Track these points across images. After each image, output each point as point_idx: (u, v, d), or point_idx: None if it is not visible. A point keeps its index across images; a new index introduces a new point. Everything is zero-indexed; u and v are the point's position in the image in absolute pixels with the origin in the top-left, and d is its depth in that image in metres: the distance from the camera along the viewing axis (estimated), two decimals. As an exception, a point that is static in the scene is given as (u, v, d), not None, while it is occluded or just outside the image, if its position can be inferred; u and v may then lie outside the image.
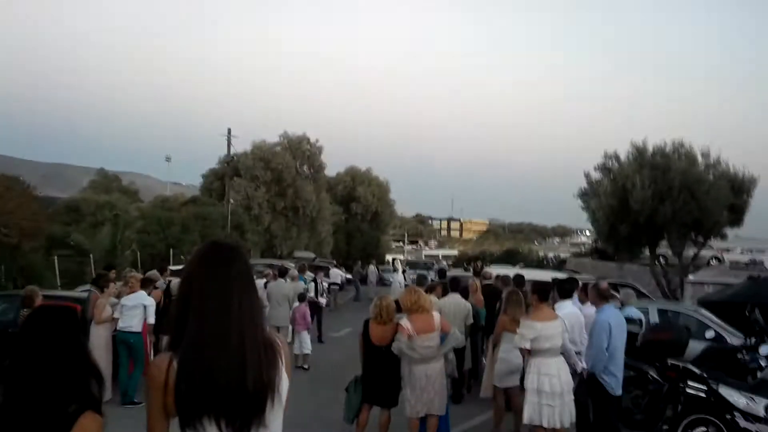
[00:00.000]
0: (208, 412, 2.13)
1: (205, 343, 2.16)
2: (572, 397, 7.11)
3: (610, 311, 7.65)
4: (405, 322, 7.59)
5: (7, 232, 17.77)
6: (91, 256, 22.32)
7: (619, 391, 7.51)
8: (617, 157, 22.50)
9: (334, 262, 36.92)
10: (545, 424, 7.00)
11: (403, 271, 29.11)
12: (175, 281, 12.26)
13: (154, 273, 13.40)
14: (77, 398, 2.44)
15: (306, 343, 13.60)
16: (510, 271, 16.00)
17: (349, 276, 31.86)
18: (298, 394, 9.76)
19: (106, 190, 43.86)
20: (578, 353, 7.84)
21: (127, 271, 14.25)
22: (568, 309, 8.16)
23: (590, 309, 8.43)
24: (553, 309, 7.70)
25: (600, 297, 7.81)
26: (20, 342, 2.50)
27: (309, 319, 13.93)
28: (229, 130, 40.99)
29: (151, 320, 10.36)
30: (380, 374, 7.81)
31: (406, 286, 22.52)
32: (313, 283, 17.92)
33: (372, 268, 34.66)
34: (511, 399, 8.56)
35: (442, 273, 17.31)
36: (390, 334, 7.68)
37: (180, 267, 17.12)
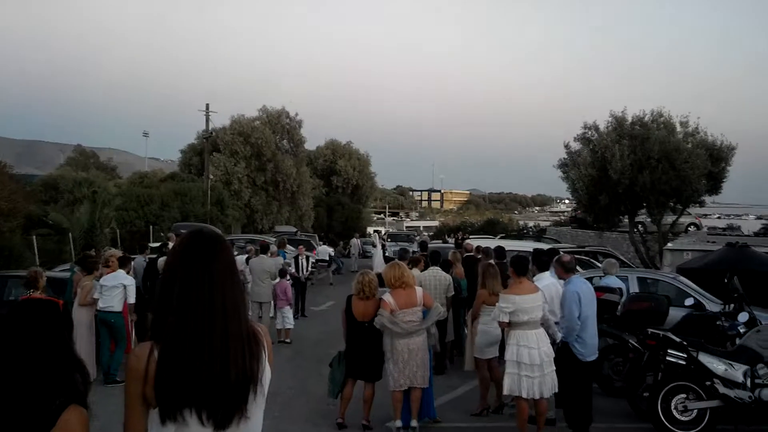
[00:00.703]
0: (190, 405, 2.11)
1: (187, 336, 2.14)
2: (554, 368, 7.18)
3: (578, 282, 7.74)
4: (388, 297, 7.64)
5: (-17, 212, 17.53)
6: (70, 234, 22.07)
7: (590, 358, 7.62)
8: (596, 128, 22.60)
9: (316, 236, 36.84)
10: (525, 395, 7.07)
11: (383, 246, 28.78)
12: (162, 259, 12.12)
13: (112, 252, 12.94)
14: (61, 392, 2.41)
15: (288, 318, 13.62)
16: (490, 242, 16.08)
17: (331, 251, 31.70)
18: (281, 368, 9.76)
19: (84, 167, 43.46)
20: (557, 323, 7.91)
21: (106, 249, 14.09)
22: (547, 281, 8.20)
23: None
24: (532, 281, 7.75)
25: (564, 270, 7.89)
26: (3, 335, 2.46)
27: (290, 294, 13.91)
28: (207, 105, 40.47)
29: (132, 300, 10.29)
30: (363, 349, 7.84)
31: (386, 258, 22.67)
32: (294, 260, 17.85)
33: (355, 240, 34.61)
34: (491, 370, 8.63)
35: (424, 246, 17.31)
36: (373, 309, 7.71)
37: (158, 244, 17.00)
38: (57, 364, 2.44)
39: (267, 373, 2.30)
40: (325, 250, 29.15)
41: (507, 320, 7.11)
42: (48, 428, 2.32)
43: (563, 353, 7.37)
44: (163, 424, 2.11)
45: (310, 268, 18.46)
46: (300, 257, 18.10)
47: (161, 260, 12.38)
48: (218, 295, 2.20)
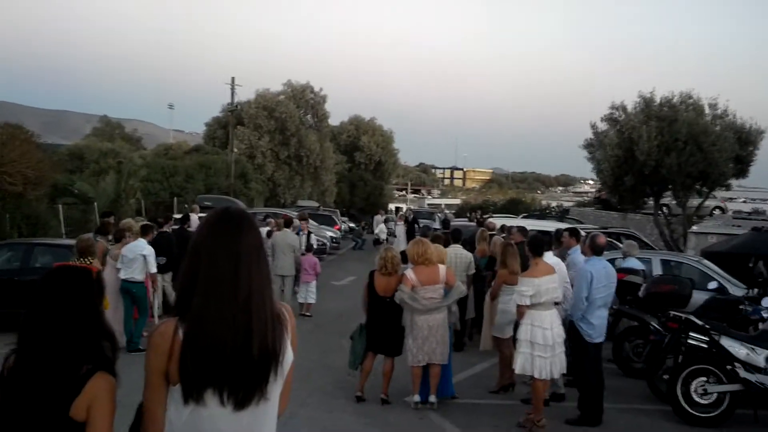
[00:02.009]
0: (212, 384, 2.12)
1: (212, 315, 2.14)
2: (563, 349, 7.18)
3: (598, 263, 7.64)
4: (410, 273, 7.66)
5: (12, 181, 17.70)
6: (95, 204, 22.32)
7: (597, 339, 7.56)
8: (624, 108, 22.27)
9: (338, 211, 36.87)
10: (537, 375, 7.08)
11: (410, 221, 26.77)
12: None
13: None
14: (90, 359, 2.45)
15: (312, 292, 13.70)
16: (513, 222, 16.03)
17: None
18: (302, 341, 9.85)
19: (109, 138, 43.77)
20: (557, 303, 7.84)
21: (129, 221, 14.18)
22: (549, 260, 8.12)
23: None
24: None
25: (592, 249, 7.79)
26: (36, 301, 2.50)
27: (318, 269, 13.97)
28: (233, 79, 40.56)
29: (153, 270, 10.42)
30: (384, 324, 7.89)
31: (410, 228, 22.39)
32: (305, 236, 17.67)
33: (378, 217, 33.88)
34: (508, 349, 8.64)
35: (446, 224, 17.26)
36: (395, 284, 7.75)
37: (181, 215, 17.10)
38: (87, 331, 2.48)
39: (289, 355, 2.29)
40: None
41: (528, 303, 7.09)
42: (75, 394, 2.37)
43: (570, 332, 7.35)
44: (186, 403, 2.13)
45: (314, 245, 18.02)
46: (302, 233, 17.83)
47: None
48: (244, 274, 2.19)
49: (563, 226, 13.85)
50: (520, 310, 7.22)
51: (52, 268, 2.62)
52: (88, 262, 8.82)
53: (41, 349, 2.42)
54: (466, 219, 30.77)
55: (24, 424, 2.37)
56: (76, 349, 2.43)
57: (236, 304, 2.16)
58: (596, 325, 7.50)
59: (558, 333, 7.12)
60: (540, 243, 7.51)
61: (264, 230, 15.84)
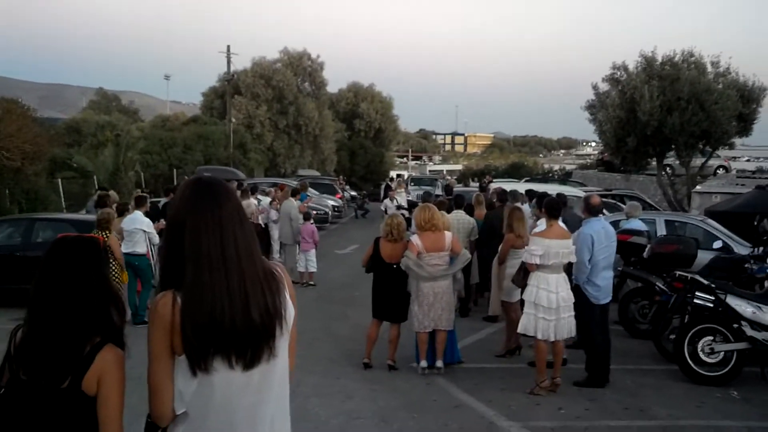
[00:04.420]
0: (217, 350, 2.11)
1: (205, 285, 2.12)
2: (572, 313, 7.13)
3: (595, 224, 7.57)
4: (415, 239, 7.63)
5: (9, 156, 17.58)
6: (95, 177, 22.24)
7: (603, 301, 7.54)
8: (626, 68, 22.06)
9: (339, 179, 36.70)
10: (540, 336, 7.07)
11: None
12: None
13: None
14: (99, 330, 2.41)
15: (312, 261, 13.69)
16: (516, 186, 15.93)
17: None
18: (306, 311, 9.84)
19: (106, 110, 43.55)
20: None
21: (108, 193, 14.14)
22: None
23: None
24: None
25: (588, 210, 7.72)
26: (43, 273, 2.46)
27: (317, 237, 13.99)
28: (229, 47, 40.18)
29: (156, 241, 10.40)
30: (390, 290, 7.88)
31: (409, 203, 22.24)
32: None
33: (388, 203, 32.28)
34: (514, 312, 8.62)
35: (448, 189, 17.15)
36: (400, 251, 7.72)
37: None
38: (95, 302, 2.45)
39: (290, 309, 2.29)
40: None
41: (537, 262, 7.04)
42: (86, 368, 2.34)
43: (577, 296, 7.31)
44: (194, 375, 2.11)
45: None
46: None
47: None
48: (229, 239, 2.18)
49: (567, 189, 13.79)
50: (530, 269, 7.15)
51: (57, 239, 2.56)
52: (106, 236, 9.11)
53: (49, 322, 2.39)
54: (462, 185, 30.41)
55: (35, 399, 2.34)
56: (84, 321, 2.40)
57: (227, 271, 2.15)
58: (602, 287, 7.46)
59: (564, 297, 7.07)
60: (556, 205, 7.43)
61: (266, 200, 15.87)
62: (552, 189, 13.96)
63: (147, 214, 10.77)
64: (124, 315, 2.58)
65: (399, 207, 19.73)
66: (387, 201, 22.82)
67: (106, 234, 9.24)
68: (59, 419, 2.34)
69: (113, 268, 9.31)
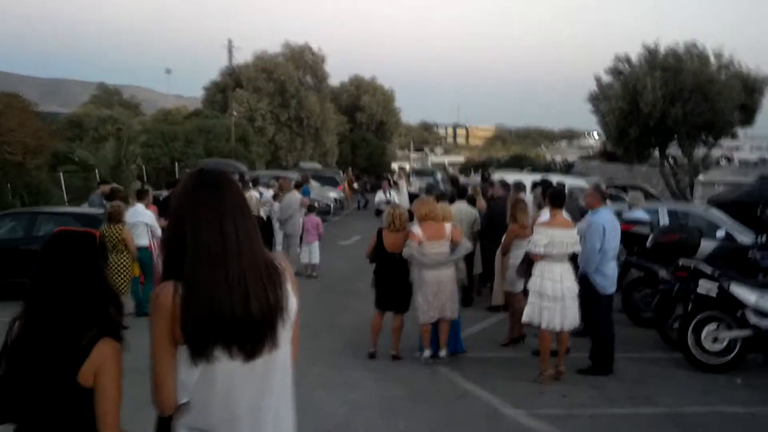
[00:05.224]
0: (217, 341, 2.11)
1: (205, 279, 2.11)
2: (576, 303, 7.12)
3: (605, 214, 7.58)
4: (416, 229, 7.67)
5: (11, 150, 17.60)
6: (96, 171, 22.23)
7: (610, 290, 7.55)
8: (629, 60, 22.08)
9: (341, 172, 36.63)
10: (544, 326, 7.07)
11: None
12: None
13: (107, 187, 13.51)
14: (96, 323, 2.41)
15: (315, 253, 13.71)
16: (519, 177, 15.92)
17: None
18: (309, 303, 9.86)
19: (107, 105, 43.48)
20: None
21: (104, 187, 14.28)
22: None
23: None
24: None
25: (600, 199, 7.70)
26: (40, 267, 2.46)
27: (321, 229, 14.02)
28: (230, 41, 40.17)
29: (158, 233, 10.41)
30: (393, 280, 7.90)
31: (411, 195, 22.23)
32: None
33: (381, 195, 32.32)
34: (519, 303, 8.62)
35: (454, 181, 17.14)
36: (402, 241, 7.75)
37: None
38: (91, 296, 2.45)
39: (292, 300, 2.27)
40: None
41: (541, 252, 7.03)
42: (82, 360, 2.34)
43: (582, 285, 7.30)
44: (195, 365, 2.11)
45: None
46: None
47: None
48: (230, 231, 2.17)
49: (569, 180, 13.78)
50: (535, 259, 7.15)
51: (54, 233, 2.56)
52: (118, 228, 9.38)
53: (46, 315, 2.39)
54: (463, 176, 30.32)
55: (31, 392, 2.35)
56: (81, 315, 2.40)
57: (227, 263, 2.14)
58: (610, 276, 7.46)
59: (569, 287, 7.07)
60: (560, 195, 7.42)
61: (269, 192, 15.88)
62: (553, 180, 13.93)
63: (157, 205, 10.80)
64: (121, 308, 2.57)
65: (388, 202, 19.81)
66: (379, 193, 23.04)
67: (118, 227, 9.36)
68: (56, 411, 2.35)
69: (125, 259, 9.39)
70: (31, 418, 2.36)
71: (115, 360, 2.38)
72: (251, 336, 2.13)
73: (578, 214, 8.87)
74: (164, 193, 15.90)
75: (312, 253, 13.69)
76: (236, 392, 2.15)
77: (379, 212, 22.49)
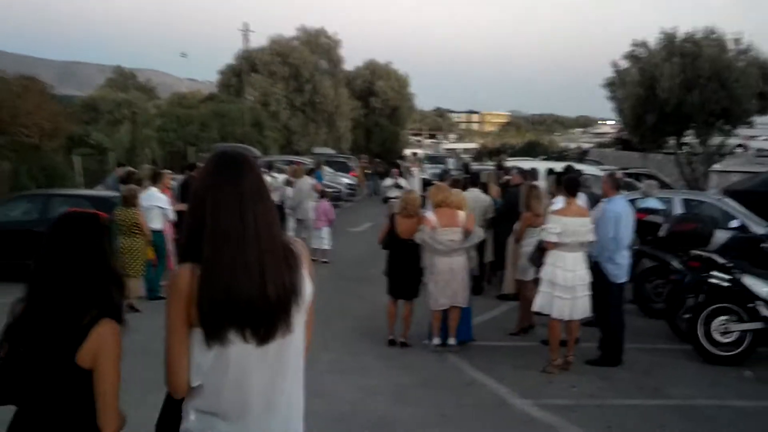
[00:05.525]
0: (232, 323, 2.11)
1: (223, 261, 2.12)
2: (588, 293, 7.10)
3: (619, 202, 7.53)
4: (430, 215, 7.68)
5: (28, 132, 17.73)
6: (111, 154, 22.35)
7: (621, 279, 7.50)
8: (646, 45, 21.84)
9: (353, 157, 36.60)
10: (555, 315, 7.06)
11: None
12: None
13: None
14: (96, 304, 2.43)
15: (325, 239, 13.76)
16: (533, 164, 15.84)
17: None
18: (321, 288, 9.93)
19: (123, 88, 43.53)
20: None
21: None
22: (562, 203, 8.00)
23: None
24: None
25: (615, 187, 7.64)
26: (45, 247, 2.48)
27: (332, 215, 14.06)
28: (246, 24, 40.10)
29: (171, 217, 10.49)
30: (405, 267, 7.93)
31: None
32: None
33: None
34: (530, 291, 8.62)
35: (466, 168, 17.12)
36: (416, 226, 7.78)
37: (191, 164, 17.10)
38: (94, 277, 2.46)
39: (307, 285, 2.28)
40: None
41: (555, 241, 7.01)
42: (81, 342, 2.36)
43: (595, 274, 7.28)
44: (209, 347, 2.12)
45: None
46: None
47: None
48: (249, 215, 2.17)
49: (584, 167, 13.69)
50: (548, 247, 7.13)
51: (60, 215, 2.58)
52: (133, 212, 9.49)
53: (47, 295, 2.41)
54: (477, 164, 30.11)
55: (31, 373, 2.37)
56: (83, 296, 2.42)
57: (245, 246, 2.14)
58: (622, 265, 7.43)
59: (581, 276, 7.04)
60: (575, 183, 7.38)
61: (282, 177, 15.94)
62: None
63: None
64: (123, 290, 2.59)
65: (397, 186, 19.85)
66: (387, 180, 23.06)
67: (132, 210, 9.46)
68: (56, 392, 2.37)
69: (140, 242, 9.48)
70: (31, 400, 2.39)
71: (115, 341, 2.39)
72: (266, 319, 2.14)
73: (593, 203, 8.83)
74: (179, 176, 15.98)
75: (322, 239, 13.74)
76: (249, 376, 2.16)
77: (386, 199, 22.58)
